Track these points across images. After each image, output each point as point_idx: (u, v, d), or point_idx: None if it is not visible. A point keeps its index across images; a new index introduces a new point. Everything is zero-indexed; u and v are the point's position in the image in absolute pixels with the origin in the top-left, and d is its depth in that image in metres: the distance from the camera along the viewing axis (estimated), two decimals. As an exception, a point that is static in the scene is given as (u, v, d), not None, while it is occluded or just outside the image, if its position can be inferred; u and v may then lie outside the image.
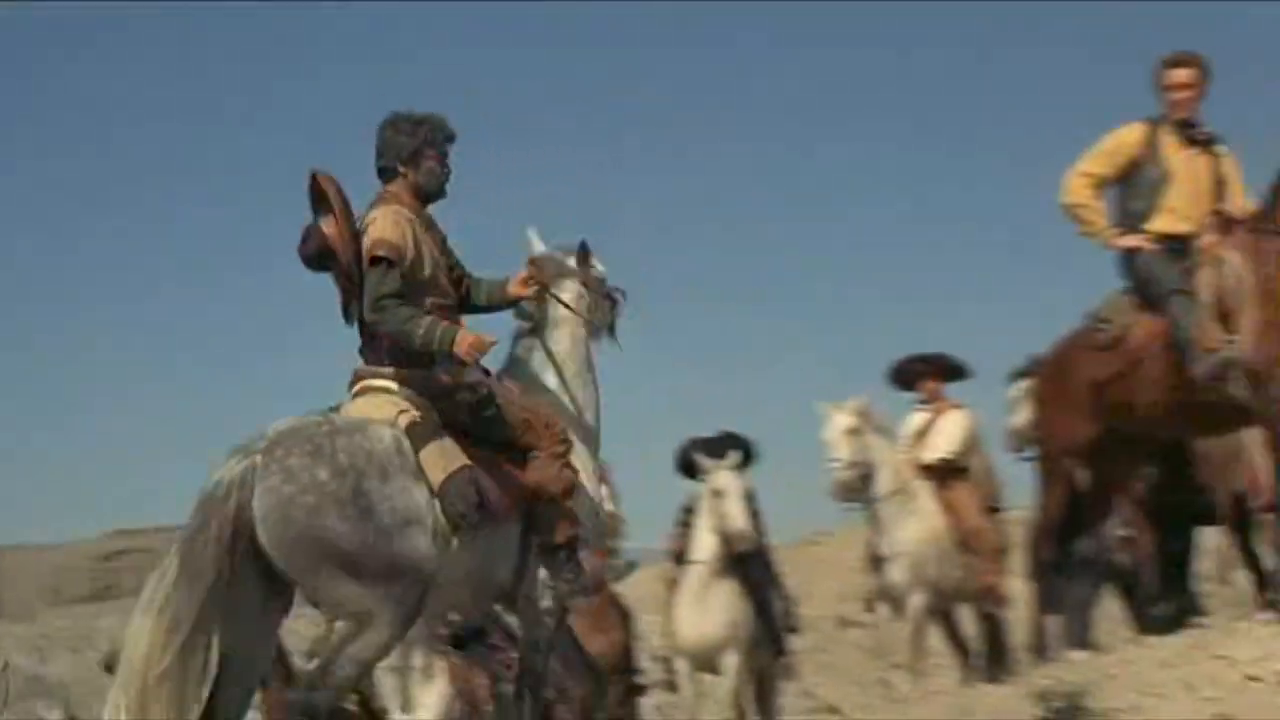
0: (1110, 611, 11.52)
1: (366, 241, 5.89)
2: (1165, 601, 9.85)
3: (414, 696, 11.51)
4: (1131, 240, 7.76)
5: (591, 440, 6.38)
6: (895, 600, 10.48)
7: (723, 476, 10.22)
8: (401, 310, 5.84)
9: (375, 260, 5.86)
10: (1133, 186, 7.82)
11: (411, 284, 5.91)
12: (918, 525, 10.37)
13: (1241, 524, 10.25)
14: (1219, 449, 10.05)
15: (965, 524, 10.55)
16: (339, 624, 5.65)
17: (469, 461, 5.77)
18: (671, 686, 11.35)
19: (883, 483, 10.42)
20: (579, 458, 6.16)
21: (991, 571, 10.65)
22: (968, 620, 11.14)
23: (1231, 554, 10.45)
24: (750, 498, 10.80)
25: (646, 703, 13.05)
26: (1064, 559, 8.53)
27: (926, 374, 11.00)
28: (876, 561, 10.47)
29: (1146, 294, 7.70)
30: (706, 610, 10.42)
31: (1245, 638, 6.63)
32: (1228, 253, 7.42)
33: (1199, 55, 7.82)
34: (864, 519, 10.63)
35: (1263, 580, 9.95)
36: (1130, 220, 7.82)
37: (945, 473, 10.74)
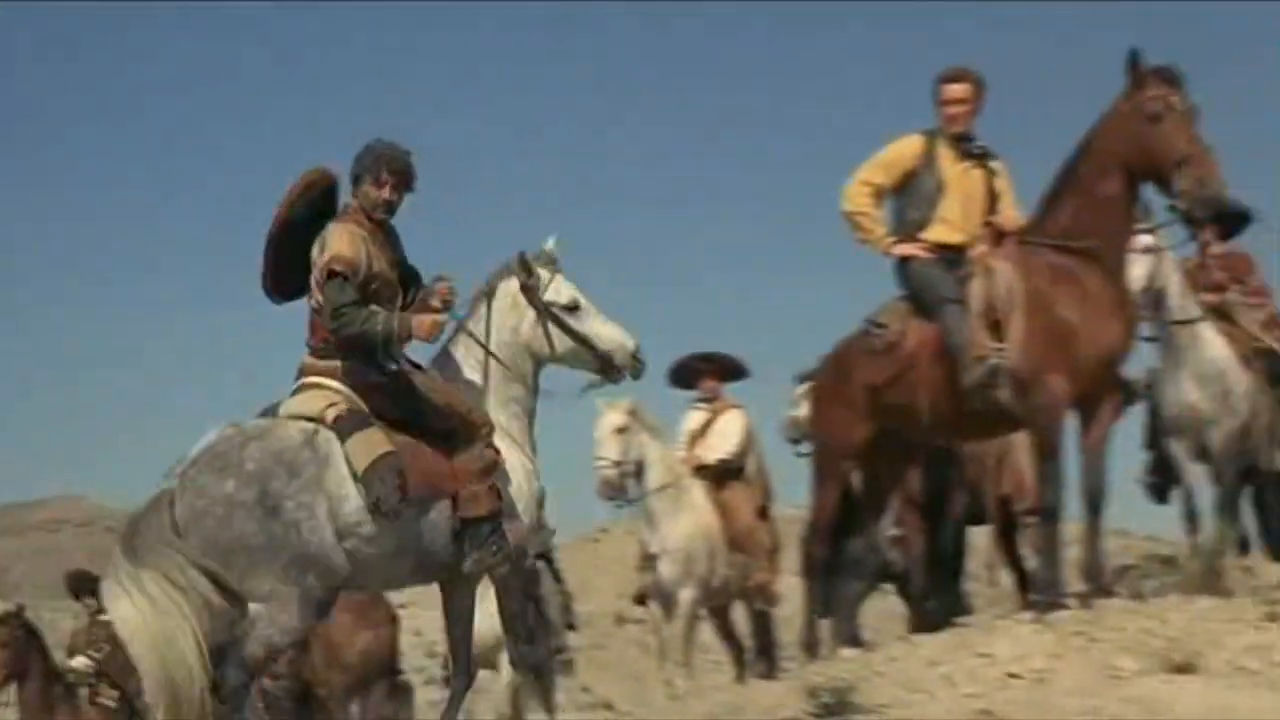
0: (884, 609, 11.81)
1: (325, 255, 6.57)
2: (935, 600, 10.11)
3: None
4: (907, 249, 7.95)
5: (522, 431, 6.95)
6: (665, 596, 10.56)
7: None
8: (359, 313, 6.54)
9: (332, 274, 6.56)
10: (910, 196, 8.02)
11: (363, 294, 6.60)
12: (688, 522, 10.46)
13: (1007, 525, 10.58)
14: (988, 452, 10.37)
15: (738, 523, 10.68)
16: (253, 606, 6.29)
17: (392, 448, 6.45)
18: (449, 683, 11.28)
19: (653, 479, 10.50)
20: (504, 443, 6.73)
21: (763, 570, 10.81)
22: (742, 618, 11.29)
23: (997, 554, 10.77)
24: None
25: (423, 699, 12.96)
26: (837, 558, 8.70)
27: (706, 373, 11.11)
28: (648, 558, 10.53)
29: (921, 301, 7.90)
30: (483, 607, 10.38)
31: (1006, 636, 6.80)
32: (998, 263, 7.63)
33: (973, 71, 8.05)
34: (640, 515, 10.71)
35: (1025, 580, 10.29)
36: (907, 229, 8.01)
37: (721, 473, 10.86)
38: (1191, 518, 10.11)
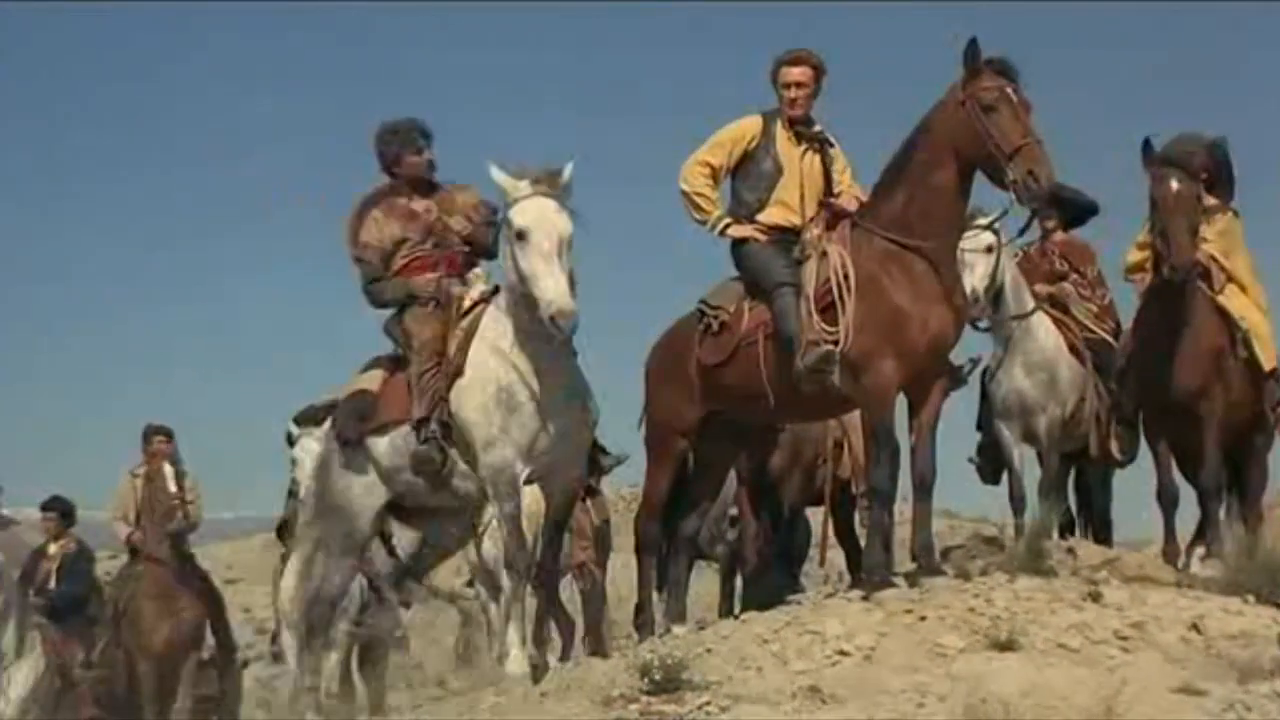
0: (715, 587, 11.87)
1: (348, 247, 8.08)
2: (770, 578, 10.21)
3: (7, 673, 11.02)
4: (743, 230, 7.98)
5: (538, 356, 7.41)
6: (489, 575, 10.59)
7: (302, 444, 10.06)
8: (380, 287, 7.96)
9: (356, 260, 8.03)
10: (748, 178, 8.03)
11: (385, 258, 7.97)
12: None
13: (842, 506, 10.72)
14: (828, 435, 10.48)
15: None
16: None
17: (360, 387, 7.95)
18: (277, 659, 11.18)
19: None
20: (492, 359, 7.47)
21: (583, 549, 10.85)
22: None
23: (831, 534, 10.90)
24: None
25: (252, 675, 12.79)
26: (670, 536, 8.72)
27: None
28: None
29: (755, 284, 7.94)
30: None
31: (835, 614, 6.88)
32: (831, 246, 7.69)
33: (814, 54, 8.05)
34: None
35: (855, 559, 10.42)
36: (744, 210, 8.03)
37: None
38: (1018, 500, 10.33)
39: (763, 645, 6.70)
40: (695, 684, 6.32)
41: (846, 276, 7.53)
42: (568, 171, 7.24)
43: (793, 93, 8.00)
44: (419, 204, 8.04)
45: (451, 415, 7.53)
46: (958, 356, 8.13)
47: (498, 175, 7.22)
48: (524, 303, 7.23)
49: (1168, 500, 9.19)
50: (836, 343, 7.47)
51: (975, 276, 9.77)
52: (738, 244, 8.01)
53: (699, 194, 8.01)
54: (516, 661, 7.44)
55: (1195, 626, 6.66)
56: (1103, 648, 6.44)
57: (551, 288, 6.98)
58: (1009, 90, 7.42)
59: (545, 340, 7.30)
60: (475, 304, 7.79)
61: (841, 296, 7.52)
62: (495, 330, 7.57)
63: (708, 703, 6.19)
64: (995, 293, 10.22)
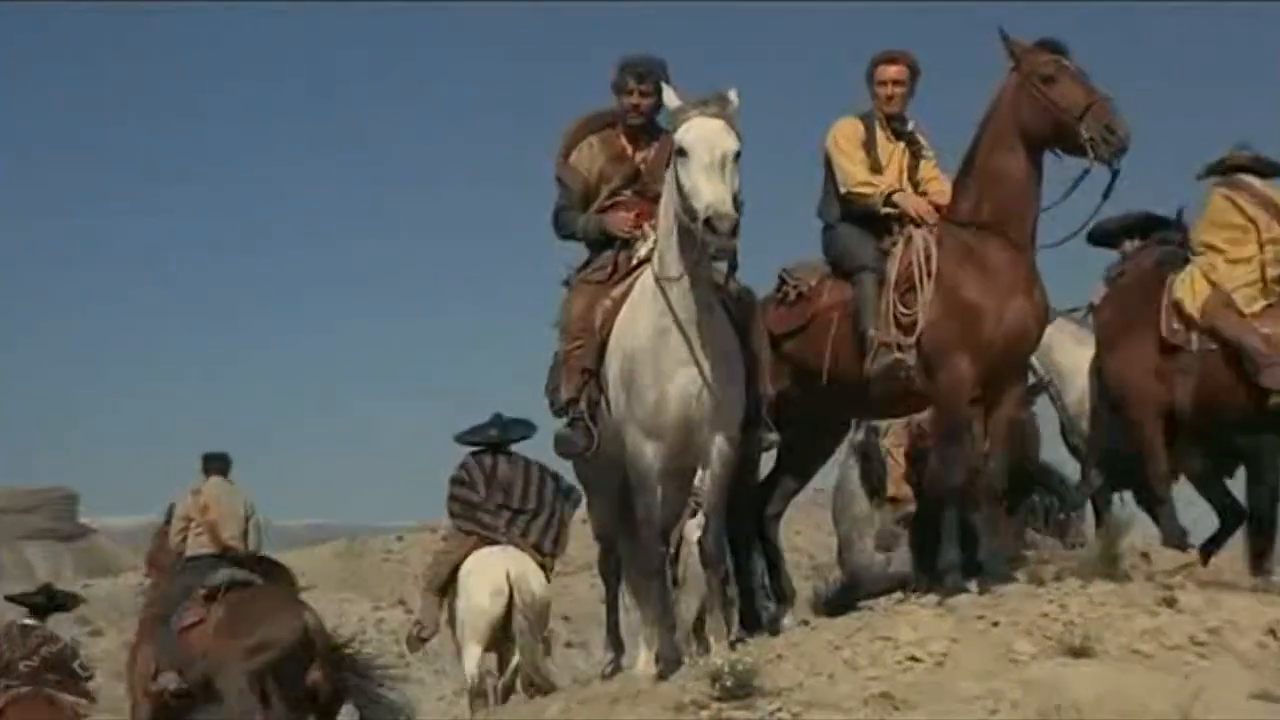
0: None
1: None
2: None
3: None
4: (911, 200, 7.82)
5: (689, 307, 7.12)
6: None
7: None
8: (569, 215, 7.79)
9: (557, 178, 7.84)
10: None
11: (583, 193, 7.79)
12: None
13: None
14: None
15: None
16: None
17: None
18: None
19: None
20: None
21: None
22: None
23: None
24: None
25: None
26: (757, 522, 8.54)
27: None
28: None
29: (838, 264, 7.92)
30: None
31: (907, 620, 6.87)
32: (918, 232, 7.65)
33: (910, 53, 8.05)
34: None
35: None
36: (842, 205, 7.96)
37: None
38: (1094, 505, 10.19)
39: (834, 652, 6.69)
40: (766, 691, 6.31)
41: (928, 258, 7.51)
42: (734, 94, 7.05)
43: (889, 90, 8.00)
44: (636, 150, 7.81)
45: (601, 389, 7.34)
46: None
47: (669, 99, 7.11)
48: (685, 220, 6.85)
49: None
50: (905, 349, 7.42)
51: None
52: (829, 226, 7.99)
53: (860, 184, 7.87)
54: (645, 663, 7.41)
55: (1273, 632, 6.59)
56: (1178, 654, 6.39)
57: (709, 192, 6.69)
58: (1064, 60, 7.41)
59: (693, 282, 7.02)
60: (638, 264, 7.48)
61: (921, 278, 7.49)
62: (640, 290, 7.29)
63: (779, 709, 6.19)
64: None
